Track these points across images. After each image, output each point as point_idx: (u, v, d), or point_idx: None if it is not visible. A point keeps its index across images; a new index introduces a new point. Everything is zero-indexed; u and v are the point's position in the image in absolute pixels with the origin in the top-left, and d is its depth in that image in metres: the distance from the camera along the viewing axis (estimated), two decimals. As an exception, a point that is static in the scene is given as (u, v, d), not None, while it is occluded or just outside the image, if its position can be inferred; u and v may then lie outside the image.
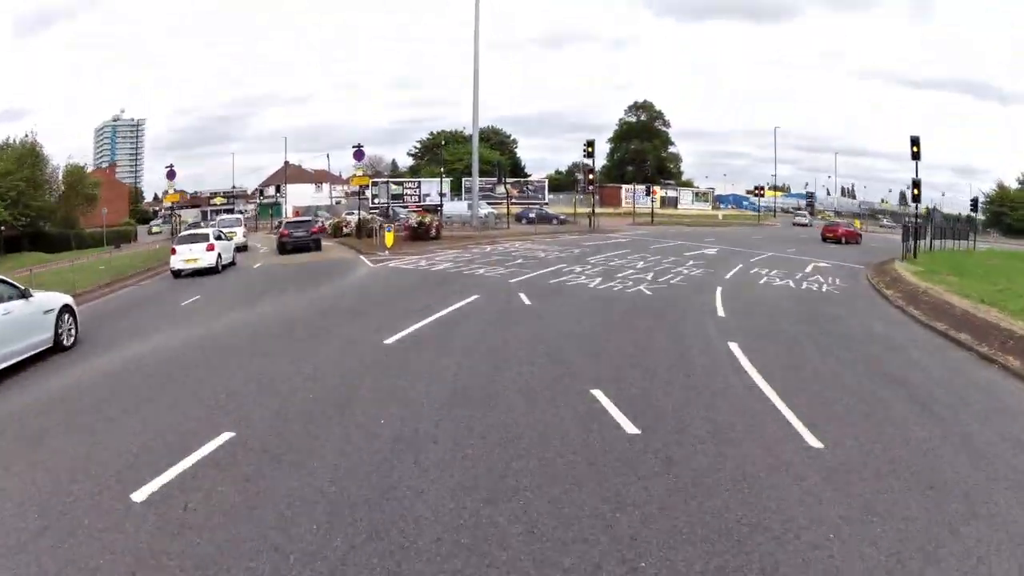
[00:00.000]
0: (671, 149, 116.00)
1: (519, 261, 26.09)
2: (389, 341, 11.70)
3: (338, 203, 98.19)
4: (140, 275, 28.93)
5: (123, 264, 31.64)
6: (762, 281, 22.52)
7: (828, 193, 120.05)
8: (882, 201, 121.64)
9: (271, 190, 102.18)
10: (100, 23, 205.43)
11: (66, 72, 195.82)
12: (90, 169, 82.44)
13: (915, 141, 33.43)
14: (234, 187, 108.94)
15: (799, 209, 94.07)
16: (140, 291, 24.74)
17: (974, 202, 62.97)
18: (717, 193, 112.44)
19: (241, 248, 36.38)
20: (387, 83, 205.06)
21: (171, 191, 51.47)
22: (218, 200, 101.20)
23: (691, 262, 28.14)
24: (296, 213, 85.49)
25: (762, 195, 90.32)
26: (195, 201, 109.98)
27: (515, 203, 68.28)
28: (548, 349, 11.21)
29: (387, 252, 29.92)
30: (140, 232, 78.76)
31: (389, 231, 31.39)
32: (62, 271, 28.23)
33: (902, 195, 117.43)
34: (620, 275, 22.64)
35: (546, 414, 7.71)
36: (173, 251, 26.82)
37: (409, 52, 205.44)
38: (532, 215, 63.02)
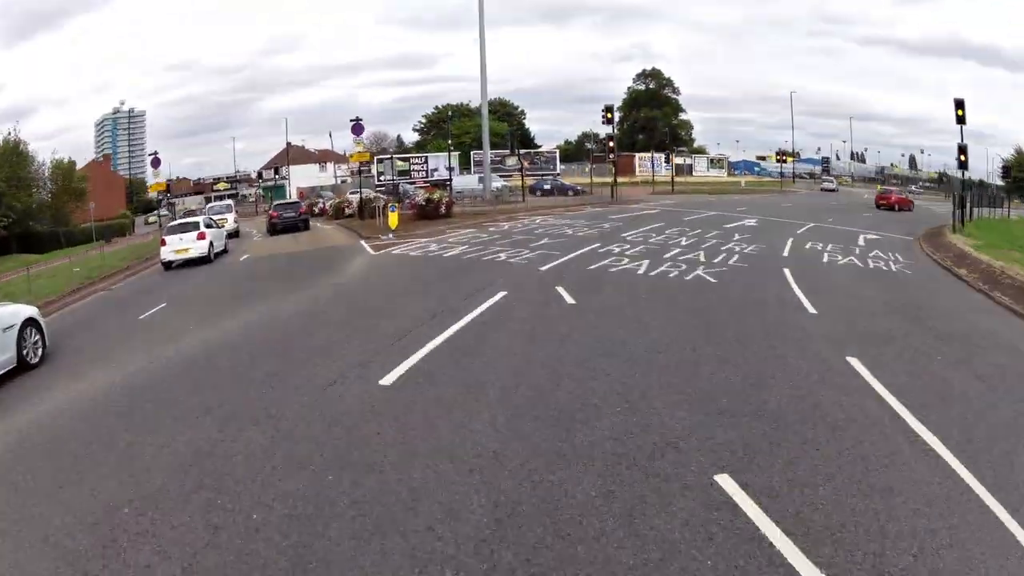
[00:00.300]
0: (682, 116, 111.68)
1: (545, 241, 22.08)
2: (386, 381, 7.92)
3: (343, 182, 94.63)
4: (108, 278, 25.15)
5: (93, 266, 27.82)
6: (824, 259, 19.79)
7: (838, 158, 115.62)
8: (892, 165, 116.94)
9: (274, 173, 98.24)
10: (96, 17, 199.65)
11: (65, 67, 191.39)
12: (85, 163, 79.23)
13: (959, 104, 30.33)
14: (237, 172, 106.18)
15: (823, 175, 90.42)
16: (111, 296, 21.13)
17: (1005, 170, 57.69)
18: (729, 160, 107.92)
19: (233, 234, 34.99)
20: (391, 61, 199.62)
21: (157, 179, 47.56)
22: (221, 185, 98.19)
23: (736, 236, 24.62)
24: (300, 194, 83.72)
25: (784, 161, 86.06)
26: (198, 187, 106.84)
27: (527, 175, 64.17)
28: (619, 385, 7.67)
29: (391, 235, 25.95)
30: (139, 223, 75.18)
31: (393, 211, 27.37)
32: (38, 274, 24.55)
33: (911, 159, 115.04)
34: (668, 256, 18.86)
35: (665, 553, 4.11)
36: (163, 242, 25.13)
37: (413, 28, 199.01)
38: (547, 186, 58.96)
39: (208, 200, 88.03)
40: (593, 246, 20.54)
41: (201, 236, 24.79)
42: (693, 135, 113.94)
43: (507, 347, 9.21)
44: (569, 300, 12.56)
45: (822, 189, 74.84)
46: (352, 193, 55.16)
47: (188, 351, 10.70)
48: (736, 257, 19.02)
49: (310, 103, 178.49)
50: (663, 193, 57.49)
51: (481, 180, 51.56)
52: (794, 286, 14.61)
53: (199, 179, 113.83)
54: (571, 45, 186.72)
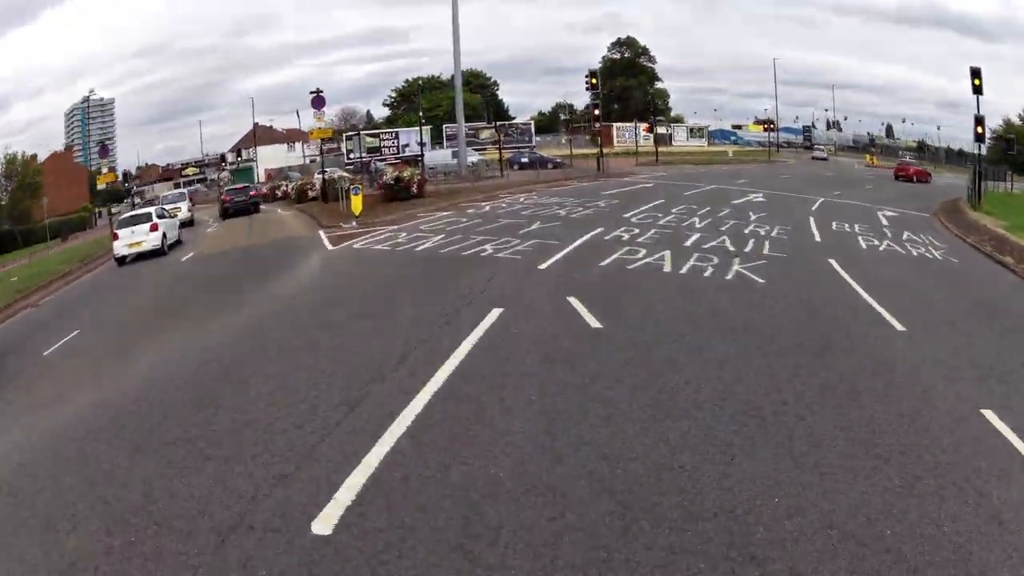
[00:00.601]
0: (658, 85, 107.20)
1: (536, 227, 18.24)
2: (320, 528, 4.26)
3: (312, 162, 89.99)
4: (44, 288, 21.14)
5: (33, 272, 23.80)
6: (863, 245, 17.58)
7: (814, 127, 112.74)
8: (868, 134, 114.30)
9: (242, 154, 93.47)
10: (65, 7, 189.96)
11: (34, 59, 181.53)
12: (46, 156, 74.55)
13: (976, 73, 28.08)
14: (206, 156, 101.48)
15: (814, 145, 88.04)
16: (35, 316, 17.87)
17: (1008, 142, 54.11)
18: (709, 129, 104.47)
19: (187, 223, 33.17)
20: (363, 37, 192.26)
21: (104, 170, 42.75)
22: (190, 171, 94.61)
23: (752, 215, 21.48)
24: (268, 176, 79.95)
25: (771, 130, 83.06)
26: (167, 174, 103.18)
27: (499, 150, 60.07)
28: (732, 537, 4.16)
29: (354, 223, 21.91)
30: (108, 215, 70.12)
31: (356, 194, 23.23)
32: None
33: (888, 127, 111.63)
34: (689, 243, 15.64)
35: None
36: (115, 236, 23.43)
37: (386, 2, 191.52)
38: (525, 159, 54.79)
39: (177, 186, 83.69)
40: (595, 231, 16.81)
41: (154, 228, 23.03)
42: (670, 104, 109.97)
43: (517, 439, 5.56)
44: (592, 323, 8.93)
45: (813, 158, 72.97)
46: (319, 173, 51.65)
47: (58, 427, 7.06)
48: (768, 244, 15.89)
49: (282, 82, 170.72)
50: (648, 164, 53.49)
51: (455, 155, 47.40)
52: (856, 287, 12.02)
53: (168, 164, 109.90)
54: (543, 15, 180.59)
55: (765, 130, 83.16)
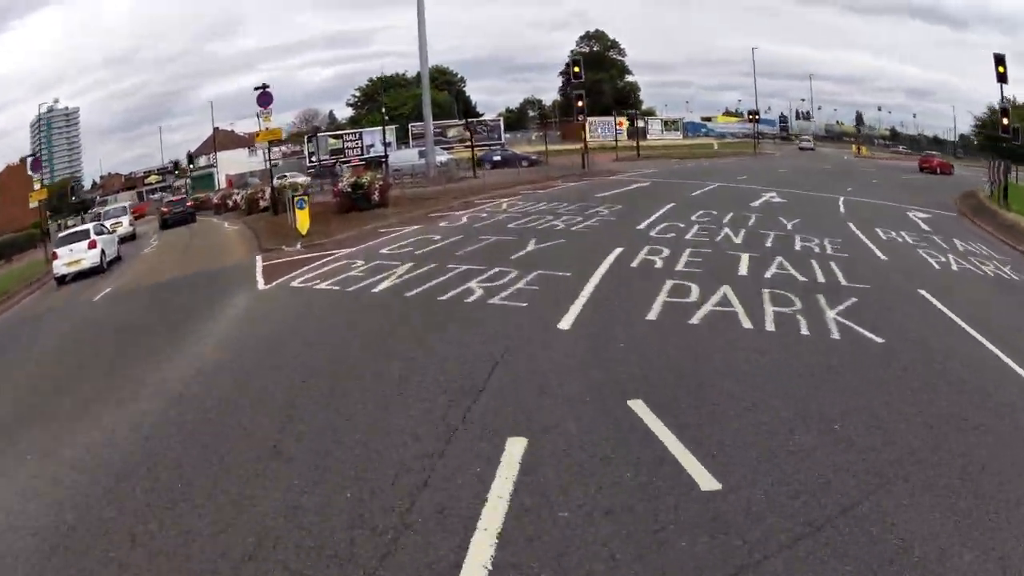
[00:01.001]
0: (628, 79, 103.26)
1: (533, 246, 13.79)
2: None
3: (275, 166, 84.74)
4: None
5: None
6: (932, 264, 14.26)
7: (783, 117, 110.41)
8: (838, 123, 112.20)
9: (196, 161, 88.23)
10: (31, 17, 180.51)
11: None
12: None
13: (1000, 60, 25.97)
14: (170, 163, 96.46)
15: (800, 137, 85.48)
16: None
17: (1014, 131, 51.31)
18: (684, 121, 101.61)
19: (128, 238, 32.31)
20: (329, 40, 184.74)
21: (37, 186, 37.66)
22: (153, 179, 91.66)
23: (784, 221, 17.70)
24: (229, 182, 75.03)
25: (756, 121, 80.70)
26: (130, 182, 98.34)
27: (471, 146, 55.63)
28: None
29: (299, 244, 17.21)
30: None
31: (302, 208, 18.51)
32: None
33: (858, 116, 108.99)
34: (745, 271, 11.61)
35: None
36: (54, 255, 22.60)
37: (351, 5, 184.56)
38: (497, 157, 50.18)
39: (140, 196, 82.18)
40: (614, 254, 12.39)
41: (92, 245, 22.22)
42: (641, 97, 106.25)
43: None
44: (701, 478, 4.58)
45: (800, 148, 70.36)
46: (280, 178, 47.24)
47: None
48: (837, 269, 11.95)
49: (246, 88, 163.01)
50: (629, 160, 48.92)
51: (422, 154, 42.60)
52: (974, 334, 8.75)
53: (131, 173, 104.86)
54: (506, 13, 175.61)
55: (750, 120, 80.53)
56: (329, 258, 14.71)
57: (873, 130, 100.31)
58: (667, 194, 23.47)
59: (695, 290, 9.71)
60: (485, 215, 19.94)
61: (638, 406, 5.68)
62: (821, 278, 11.12)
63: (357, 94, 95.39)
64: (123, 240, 29.42)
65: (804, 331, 8.12)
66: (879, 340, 7.89)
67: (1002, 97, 27.50)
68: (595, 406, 5.78)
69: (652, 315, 8.54)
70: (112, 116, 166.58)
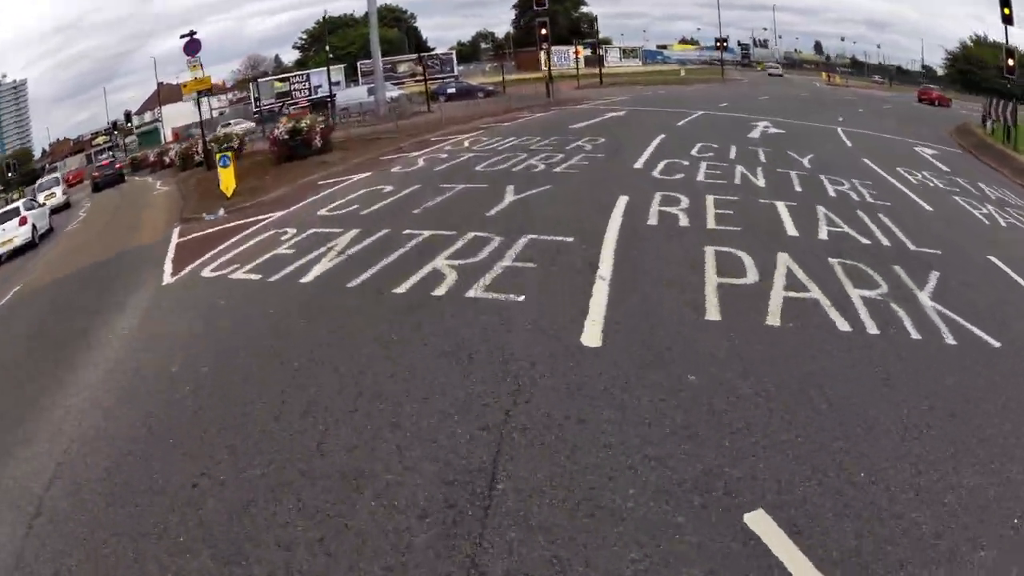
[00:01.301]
0: (584, 9, 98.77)
1: (512, 197, 10.60)
2: None
3: (221, 114, 79.62)
4: None
5: None
6: (980, 218, 11.48)
7: (744, 45, 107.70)
8: (796, 51, 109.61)
9: (125, 119, 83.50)
10: None
11: None
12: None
13: (1005, 2, 25.41)
14: (115, 123, 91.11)
15: (770, 64, 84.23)
16: None
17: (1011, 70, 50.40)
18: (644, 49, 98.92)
19: (62, 207, 30.82)
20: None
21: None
22: (100, 139, 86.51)
23: (795, 156, 14.88)
24: (175, 136, 70.53)
25: (724, 49, 78.09)
26: (79, 146, 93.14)
27: (423, 80, 51.42)
28: None
29: (222, 210, 13.73)
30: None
31: (225, 165, 14.95)
32: None
33: (817, 44, 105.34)
34: (794, 232, 8.78)
35: None
36: None
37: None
38: (451, 89, 46.27)
39: (89, 158, 77.11)
40: (619, 205, 9.34)
41: (23, 221, 21.31)
42: (597, 27, 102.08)
43: None
44: None
45: (769, 75, 69.69)
46: (224, 126, 46.30)
47: None
48: (894, 225, 9.23)
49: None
50: (592, 87, 44.94)
51: (371, 91, 38.42)
52: None
53: (79, 137, 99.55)
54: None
55: (717, 48, 77.55)
56: (254, 227, 11.39)
57: (834, 60, 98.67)
58: (650, 124, 20.13)
59: (748, 263, 6.78)
60: (445, 155, 16.54)
61: (761, 523, 2.77)
62: (884, 240, 8.39)
63: (304, 36, 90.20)
64: (56, 211, 28.15)
65: (914, 333, 5.45)
66: (995, 344, 5.31)
67: (1005, 38, 26.89)
68: (694, 531, 2.83)
69: (713, 312, 5.60)
70: (61, 84, 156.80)
